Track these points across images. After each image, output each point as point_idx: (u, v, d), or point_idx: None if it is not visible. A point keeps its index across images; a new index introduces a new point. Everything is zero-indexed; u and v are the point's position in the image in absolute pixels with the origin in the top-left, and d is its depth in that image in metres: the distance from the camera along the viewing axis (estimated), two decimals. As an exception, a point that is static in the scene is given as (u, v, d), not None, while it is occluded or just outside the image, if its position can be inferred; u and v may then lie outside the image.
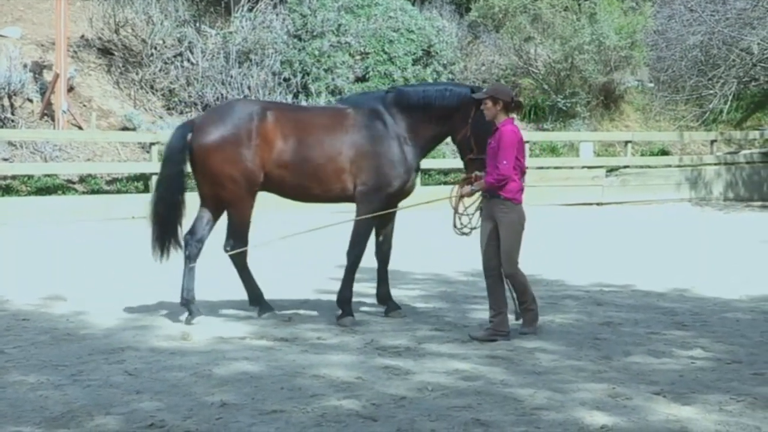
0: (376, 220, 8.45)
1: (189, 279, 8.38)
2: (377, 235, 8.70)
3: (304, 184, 8.37)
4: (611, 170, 21.13)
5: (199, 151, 8.23)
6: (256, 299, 8.59)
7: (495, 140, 7.62)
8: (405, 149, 8.37)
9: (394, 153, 8.33)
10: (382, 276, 8.77)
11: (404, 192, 8.51)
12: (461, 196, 8.01)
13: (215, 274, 9.40)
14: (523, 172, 7.76)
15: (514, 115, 7.95)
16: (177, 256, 8.53)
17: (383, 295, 8.79)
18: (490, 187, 7.61)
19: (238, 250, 8.43)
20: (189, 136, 8.30)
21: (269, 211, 12.53)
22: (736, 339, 7.87)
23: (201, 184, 8.45)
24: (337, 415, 5.64)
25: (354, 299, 9.39)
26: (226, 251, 8.54)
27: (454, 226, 8.18)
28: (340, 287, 8.50)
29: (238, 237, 8.45)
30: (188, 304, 8.33)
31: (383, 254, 8.75)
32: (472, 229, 8.14)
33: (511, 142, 7.53)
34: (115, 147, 18.20)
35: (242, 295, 8.76)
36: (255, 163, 8.20)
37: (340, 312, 8.41)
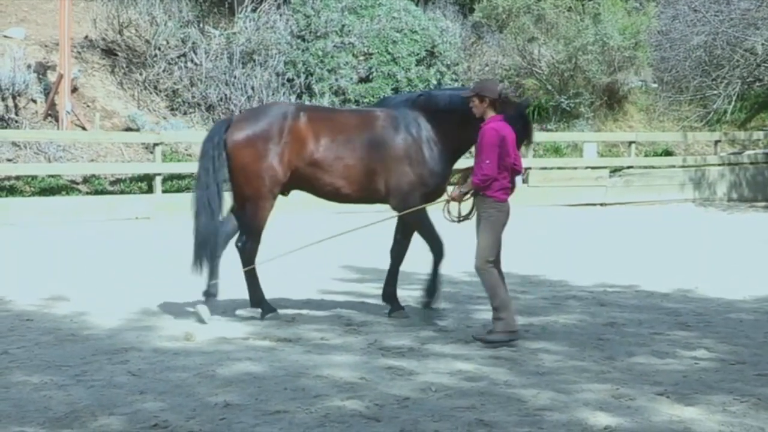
0: (409, 217, 8.48)
1: (213, 274, 8.47)
2: (396, 233, 8.76)
3: (336, 184, 8.45)
4: (615, 171, 21.11)
5: (231, 146, 8.37)
6: (258, 302, 8.60)
7: (479, 139, 7.60)
8: (435, 151, 8.41)
9: (424, 155, 8.39)
10: (394, 275, 8.79)
11: (437, 192, 8.57)
12: (451, 200, 7.95)
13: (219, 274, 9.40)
14: (513, 171, 7.69)
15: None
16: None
17: (389, 294, 8.79)
18: (476, 187, 7.58)
19: (248, 268, 8.48)
20: (225, 133, 8.46)
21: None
22: (740, 340, 7.86)
23: (232, 182, 8.54)
24: (340, 415, 5.64)
25: (356, 299, 9.43)
26: (237, 247, 8.58)
27: (445, 210, 8.13)
28: (430, 283, 8.63)
29: (251, 235, 8.50)
30: (207, 298, 8.39)
31: (398, 253, 8.78)
32: (462, 219, 8.12)
33: (491, 140, 7.45)
34: (119, 147, 18.21)
35: (245, 294, 8.75)
36: (282, 161, 8.30)
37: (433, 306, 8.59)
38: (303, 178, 8.45)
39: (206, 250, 8.36)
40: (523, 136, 8.17)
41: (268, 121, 8.39)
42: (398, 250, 8.80)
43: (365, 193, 8.53)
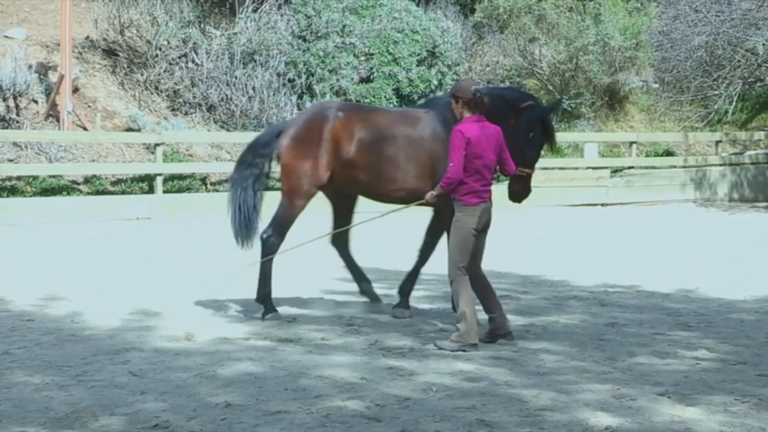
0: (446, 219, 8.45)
1: (355, 272, 8.90)
2: (426, 234, 8.77)
3: (374, 184, 8.51)
4: (616, 171, 21.10)
5: (278, 150, 8.64)
6: (263, 299, 8.58)
7: None
8: None
9: None
10: (415, 273, 8.81)
11: None
12: (423, 203, 7.91)
13: (219, 274, 9.41)
14: (506, 173, 7.68)
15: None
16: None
17: (404, 291, 8.80)
18: (443, 190, 7.52)
19: (267, 258, 8.51)
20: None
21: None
22: (741, 340, 7.86)
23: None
24: (341, 415, 5.64)
25: (358, 299, 9.41)
26: (262, 239, 8.60)
27: None
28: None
29: (277, 229, 8.57)
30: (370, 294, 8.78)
31: (424, 253, 8.79)
32: None
33: (455, 142, 7.38)
34: (120, 148, 18.21)
35: (246, 294, 8.75)
36: (321, 162, 8.43)
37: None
38: (343, 178, 8.52)
39: (244, 240, 8.64)
40: (543, 141, 8.19)
41: (309, 122, 8.59)
42: (425, 251, 8.80)
43: (406, 193, 8.49)
